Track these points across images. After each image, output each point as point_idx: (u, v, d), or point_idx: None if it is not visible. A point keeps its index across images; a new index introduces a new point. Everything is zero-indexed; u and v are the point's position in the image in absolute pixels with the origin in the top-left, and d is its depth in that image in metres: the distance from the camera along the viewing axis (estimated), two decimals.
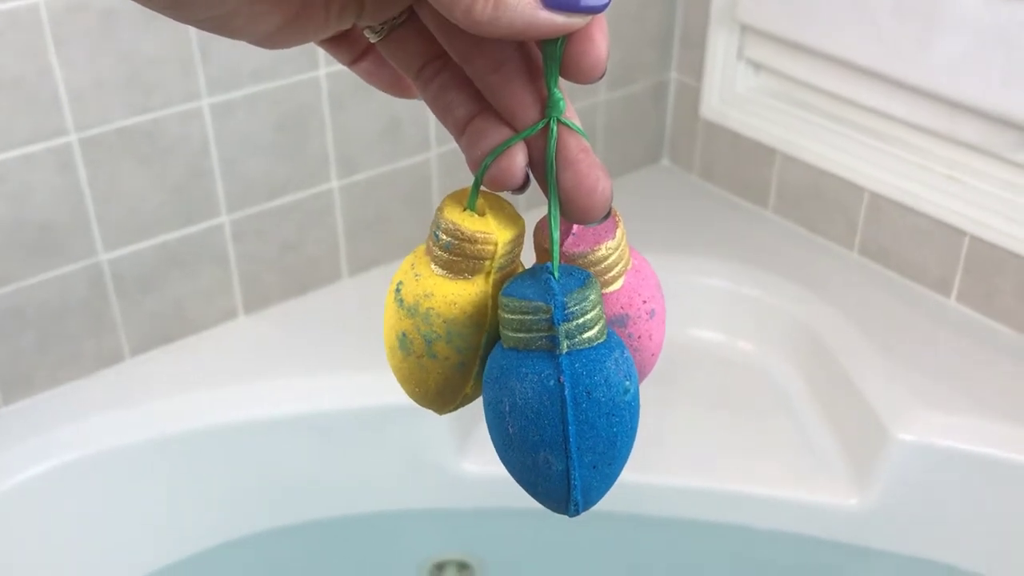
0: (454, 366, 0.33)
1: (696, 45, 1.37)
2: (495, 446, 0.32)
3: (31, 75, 0.94)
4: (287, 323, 1.17)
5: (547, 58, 0.29)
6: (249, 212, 1.12)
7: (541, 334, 0.30)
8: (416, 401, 0.35)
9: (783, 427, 1.12)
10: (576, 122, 0.30)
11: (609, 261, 0.33)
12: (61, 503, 1.00)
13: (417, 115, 1.19)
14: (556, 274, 0.31)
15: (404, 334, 0.33)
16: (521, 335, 0.31)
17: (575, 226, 0.33)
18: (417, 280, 0.33)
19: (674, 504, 1.07)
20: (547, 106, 0.30)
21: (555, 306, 0.30)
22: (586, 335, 0.31)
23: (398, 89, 0.35)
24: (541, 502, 0.33)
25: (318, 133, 1.13)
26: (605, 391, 0.31)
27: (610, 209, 0.31)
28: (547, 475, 0.31)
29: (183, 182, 1.06)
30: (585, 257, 0.32)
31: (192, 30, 1.00)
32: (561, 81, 0.30)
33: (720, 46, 1.33)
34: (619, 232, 0.33)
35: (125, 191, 1.03)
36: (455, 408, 0.35)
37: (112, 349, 1.08)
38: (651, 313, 0.34)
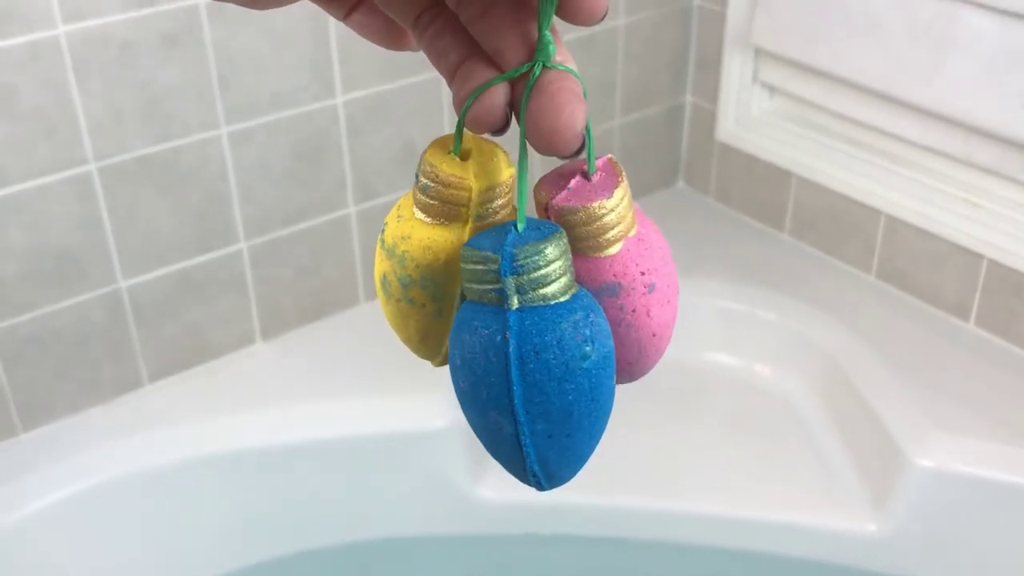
0: (430, 314, 0.32)
1: (711, 68, 1.37)
2: (458, 402, 0.31)
3: (52, 106, 0.95)
4: (304, 348, 1.17)
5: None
6: (267, 238, 1.13)
7: (490, 287, 0.29)
8: (408, 347, 0.34)
9: (800, 452, 1.12)
10: (570, 64, 0.29)
11: (603, 221, 0.31)
12: (81, 530, 1.00)
13: (432, 140, 1.20)
14: (520, 225, 0.30)
15: (384, 276, 0.33)
16: (475, 287, 0.29)
17: (572, 180, 0.31)
18: (399, 221, 0.32)
19: (692, 530, 1.06)
20: (536, 49, 0.29)
21: (502, 257, 0.29)
22: (541, 291, 0.29)
23: (390, 40, 0.34)
24: (507, 469, 0.31)
25: (335, 159, 1.14)
26: (557, 353, 0.28)
27: (583, 143, 0.29)
28: (500, 438, 0.30)
29: (201, 209, 1.07)
30: (575, 214, 0.31)
31: (211, 58, 1.01)
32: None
33: (735, 69, 1.33)
34: (618, 192, 0.31)
35: (144, 219, 1.04)
36: (443, 361, 0.34)
37: (131, 375, 1.09)
38: (650, 287, 0.32)
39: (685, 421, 1.16)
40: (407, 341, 0.34)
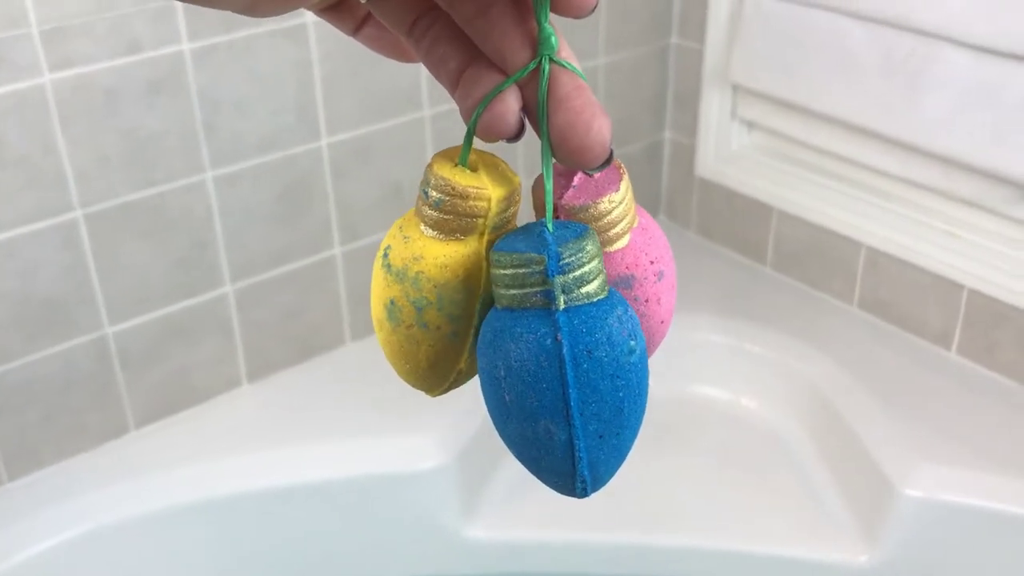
0: (446, 336, 0.31)
1: (690, 105, 1.39)
2: (494, 420, 0.30)
3: (37, 153, 0.95)
4: (291, 390, 1.17)
5: None
6: (252, 281, 1.13)
7: (535, 289, 0.28)
8: (407, 379, 0.32)
9: (789, 484, 1.12)
10: (573, 62, 0.29)
11: (612, 216, 0.31)
12: None
13: (417, 180, 1.20)
14: (550, 225, 0.29)
15: (392, 302, 0.31)
16: (514, 292, 0.28)
17: (576, 178, 0.31)
18: (406, 243, 0.31)
19: (682, 565, 1.06)
20: (538, 43, 0.28)
21: (549, 256, 0.28)
22: (584, 290, 0.28)
23: (400, 52, 0.33)
24: (546, 481, 0.30)
25: (320, 201, 1.14)
26: (608, 350, 0.28)
27: (610, 154, 0.28)
28: (549, 447, 0.29)
29: (187, 254, 1.07)
30: (586, 211, 0.30)
31: (196, 104, 1.02)
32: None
33: (714, 106, 1.35)
34: (623, 185, 0.31)
35: (129, 265, 1.04)
36: (448, 388, 0.33)
37: (117, 421, 1.08)
38: (659, 275, 0.32)
39: (673, 455, 1.16)
40: (413, 371, 0.32)
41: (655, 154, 1.45)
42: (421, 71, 1.16)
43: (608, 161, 0.28)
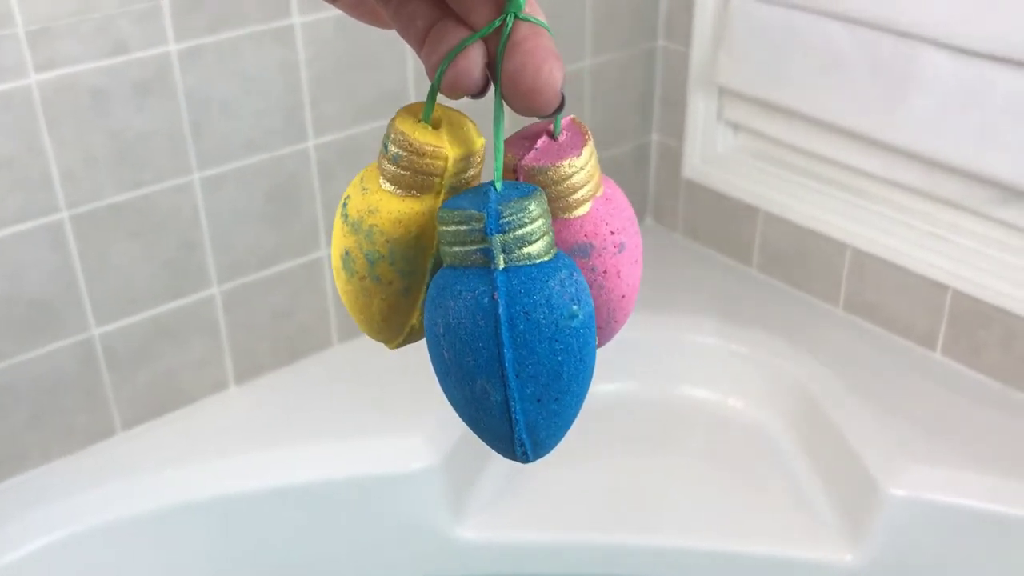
0: (398, 291, 0.31)
1: (676, 107, 1.40)
2: (437, 378, 0.30)
3: (23, 154, 0.95)
4: (278, 392, 1.17)
5: None
6: (240, 282, 1.13)
7: (475, 247, 0.28)
8: (364, 330, 0.32)
9: (775, 484, 1.13)
10: (540, 17, 0.28)
11: (573, 180, 0.30)
12: None
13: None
14: (498, 185, 0.29)
15: (347, 252, 0.31)
16: (456, 249, 0.28)
17: (539, 140, 0.31)
18: (364, 194, 0.31)
19: (670, 565, 1.07)
20: (505, 2, 0.28)
21: (488, 214, 0.28)
22: (526, 250, 0.28)
23: (378, 18, 0.33)
24: (490, 444, 0.30)
25: (308, 202, 1.14)
26: (546, 312, 0.28)
27: (562, 100, 0.28)
28: (487, 408, 0.28)
29: (174, 255, 1.07)
30: (545, 173, 0.30)
31: (183, 105, 1.02)
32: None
33: (700, 108, 1.36)
34: (587, 151, 0.31)
35: (116, 266, 1.03)
36: (403, 342, 0.33)
37: (104, 423, 1.08)
38: (620, 247, 0.31)
39: (660, 455, 1.17)
40: (367, 322, 0.32)
41: (642, 156, 1.45)
42: (408, 73, 1.16)
43: (560, 108, 0.28)
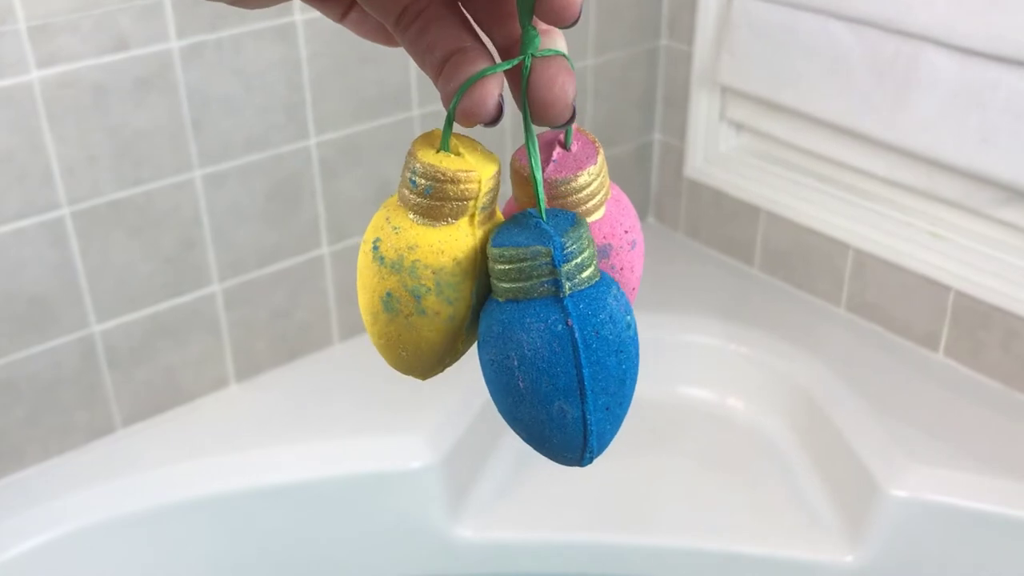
0: (445, 320, 0.31)
1: (679, 107, 1.39)
2: (501, 407, 0.31)
3: (24, 150, 0.95)
4: (278, 390, 1.17)
5: None
6: (240, 280, 1.12)
7: (542, 280, 0.29)
8: (400, 368, 0.33)
9: (775, 485, 1.12)
10: (561, 43, 0.30)
11: (591, 188, 0.32)
12: None
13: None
14: (544, 215, 0.30)
15: (389, 294, 0.31)
16: (520, 284, 0.30)
17: (555, 152, 0.32)
18: (397, 233, 0.31)
19: (669, 566, 1.07)
20: (522, 44, 0.29)
21: (554, 248, 0.29)
22: (584, 274, 0.30)
23: (385, 37, 0.33)
24: (553, 456, 0.31)
25: (309, 200, 1.14)
26: (611, 328, 0.30)
27: (573, 112, 0.30)
28: (562, 425, 0.30)
29: (175, 253, 1.07)
30: (567, 184, 0.31)
31: (184, 102, 1.01)
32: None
33: (702, 107, 1.35)
34: (600, 158, 0.32)
35: (117, 263, 1.03)
36: (442, 369, 0.33)
37: (104, 420, 1.08)
38: (632, 244, 0.33)
39: (659, 456, 1.16)
40: (409, 357, 0.32)
41: (644, 156, 1.45)
42: (410, 71, 1.16)
43: (571, 120, 0.30)
